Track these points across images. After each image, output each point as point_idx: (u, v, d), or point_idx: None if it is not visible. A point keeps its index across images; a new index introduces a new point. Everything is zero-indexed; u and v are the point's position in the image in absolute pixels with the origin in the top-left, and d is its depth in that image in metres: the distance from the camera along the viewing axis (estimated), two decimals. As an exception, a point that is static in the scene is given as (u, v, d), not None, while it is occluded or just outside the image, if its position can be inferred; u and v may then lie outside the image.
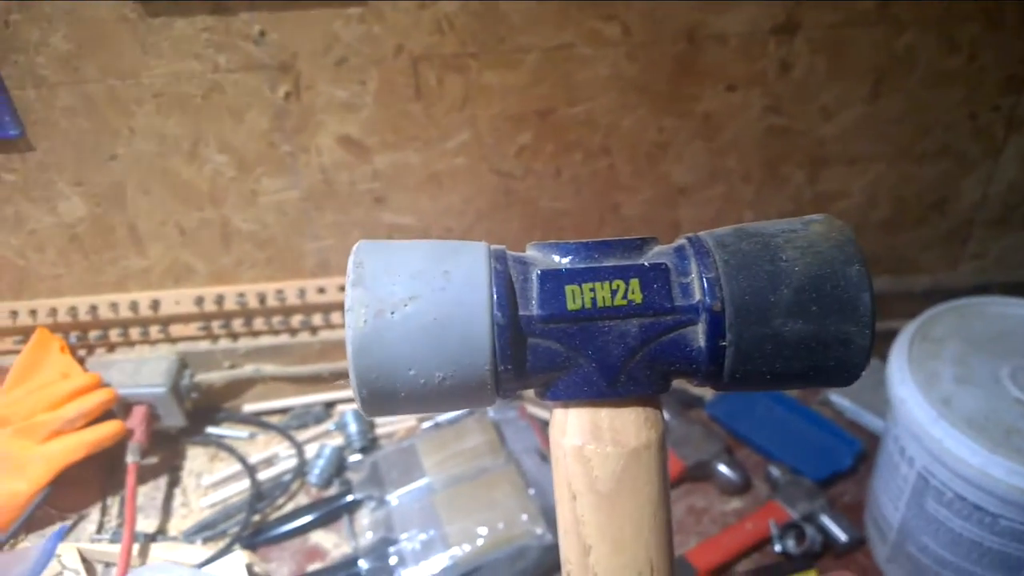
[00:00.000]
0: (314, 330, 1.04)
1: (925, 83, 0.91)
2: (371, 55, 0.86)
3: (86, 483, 0.98)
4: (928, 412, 0.73)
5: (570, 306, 0.36)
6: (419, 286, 0.36)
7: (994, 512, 0.69)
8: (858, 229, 1.01)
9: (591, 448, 0.37)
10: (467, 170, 0.95)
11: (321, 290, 1.01)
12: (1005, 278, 1.04)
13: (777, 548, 0.87)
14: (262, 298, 1.00)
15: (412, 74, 0.87)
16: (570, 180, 0.97)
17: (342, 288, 1.01)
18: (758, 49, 0.88)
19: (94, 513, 0.96)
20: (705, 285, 0.35)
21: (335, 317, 1.04)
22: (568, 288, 0.36)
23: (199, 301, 1.00)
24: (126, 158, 0.91)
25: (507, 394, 0.38)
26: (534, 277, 0.37)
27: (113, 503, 0.97)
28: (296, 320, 1.03)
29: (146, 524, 0.95)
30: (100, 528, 0.94)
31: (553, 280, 0.37)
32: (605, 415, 0.38)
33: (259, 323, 1.03)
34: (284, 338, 1.04)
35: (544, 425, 1.04)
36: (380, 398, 0.36)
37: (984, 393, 0.74)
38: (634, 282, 0.36)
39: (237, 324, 1.02)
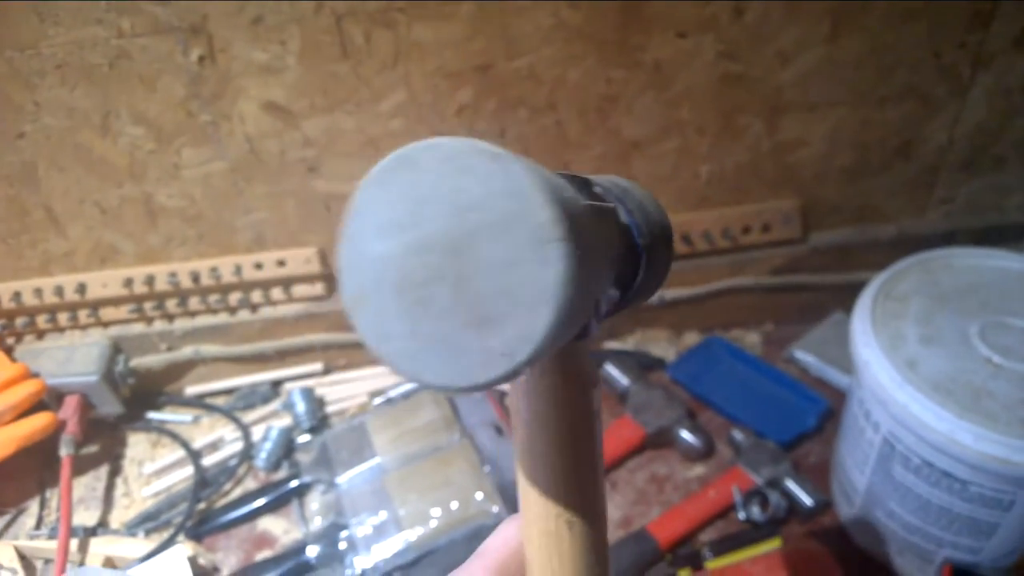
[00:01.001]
0: (254, 307, 0.99)
1: (886, 20, 0.85)
2: (289, 13, 0.79)
3: (23, 476, 0.95)
4: (893, 376, 0.69)
5: None
6: None
7: (963, 478, 0.66)
8: (820, 178, 0.97)
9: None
10: (405, 133, 0.89)
11: (258, 265, 0.95)
12: (973, 223, 1.00)
13: (741, 516, 0.84)
14: (195, 277, 0.95)
15: (336, 32, 0.81)
16: (516, 139, 0.91)
17: (280, 263, 0.96)
18: (708, -9, 0.82)
19: (33, 507, 0.93)
20: (632, 226, 0.39)
21: (275, 293, 0.98)
22: None
23: (128, 283, 0.95)
24: (34, 135, 0.84)
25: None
26: None
27: (52, 496, 0.94)
28: (234, 298, 0.98)
29: (87, 516, 0.92)
30: (39, 523, 0.91)
31: None
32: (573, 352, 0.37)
33: (195, 303, 0.97)
34: (223, 317, 0.99)
35: (501, 396, 1.00)
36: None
37: (951, 353, 0.71)
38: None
39: (171, 305, 0.97)
